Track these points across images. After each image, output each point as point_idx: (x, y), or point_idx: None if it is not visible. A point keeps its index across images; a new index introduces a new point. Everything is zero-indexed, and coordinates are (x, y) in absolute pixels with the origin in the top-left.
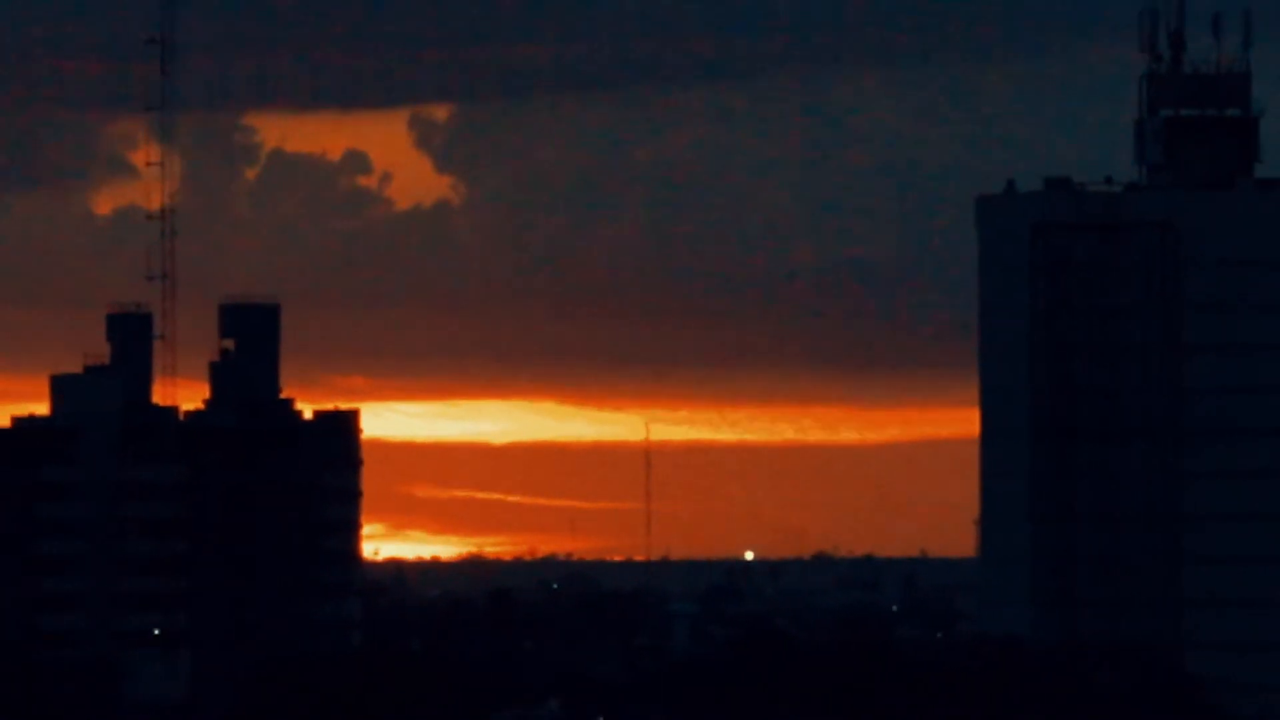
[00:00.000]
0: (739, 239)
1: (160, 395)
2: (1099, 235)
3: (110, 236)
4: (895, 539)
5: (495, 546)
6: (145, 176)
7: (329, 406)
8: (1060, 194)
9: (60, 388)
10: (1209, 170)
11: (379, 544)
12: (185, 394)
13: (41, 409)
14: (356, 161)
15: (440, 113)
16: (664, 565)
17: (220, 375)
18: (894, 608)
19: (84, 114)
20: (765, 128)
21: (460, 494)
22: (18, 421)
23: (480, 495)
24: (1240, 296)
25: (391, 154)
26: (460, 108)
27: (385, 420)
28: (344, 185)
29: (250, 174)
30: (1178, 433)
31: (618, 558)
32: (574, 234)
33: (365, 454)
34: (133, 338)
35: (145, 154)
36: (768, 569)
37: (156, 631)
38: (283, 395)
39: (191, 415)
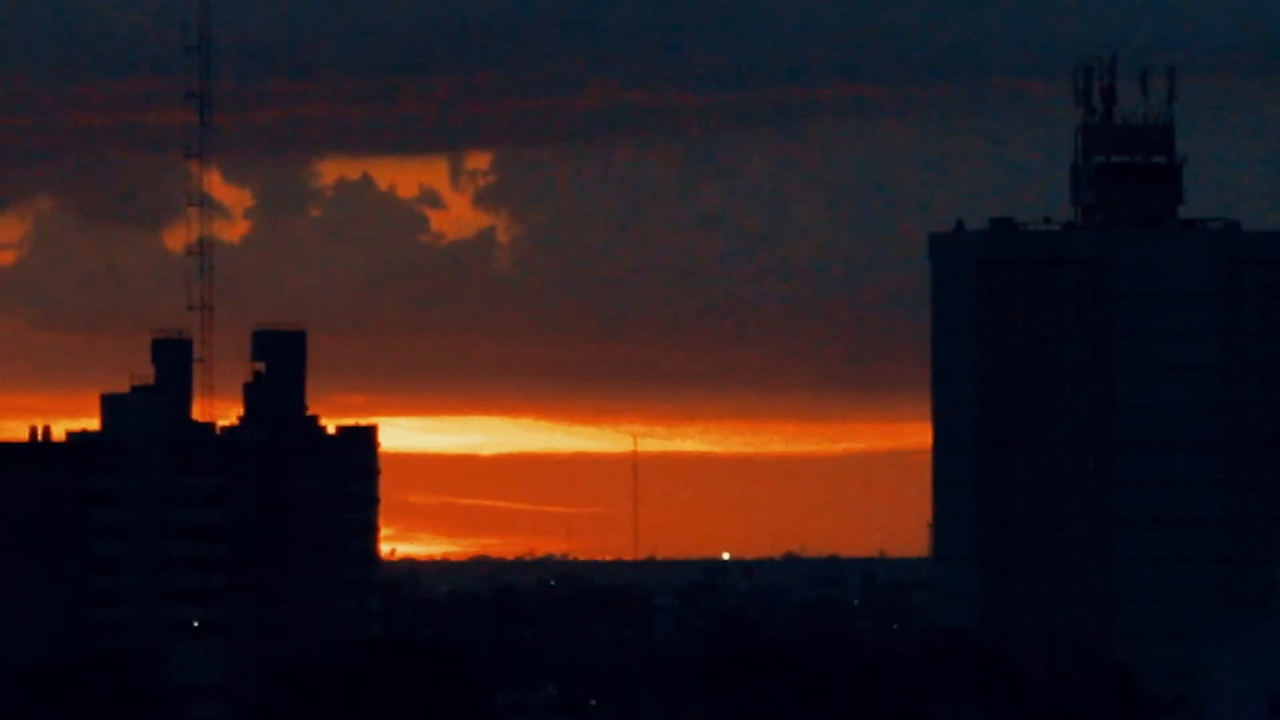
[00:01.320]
0: (718, 273)
1: (199, 412)
2: (1038, 269)
3: (158, 271)
4: (857, 541)
5: (498, 548)
6: (188, 218)
7: (350, 422)
8: (1004, 232)
9: (110, 406)
10: (1137, 211)
11: (394, 545)
12: (222, 411)
13: (93, 424)
14: (395, 203)
15: (479, 160)
16: (649, 564)
17: (253, 394)
18: (855, 602)
19: (153, 158)
20: (745, 172)
21: (464, 501)
22: (72, 436)
23: (486, 502)
24: (1163, 324)
25: (432, 195)
26: (500, 154)
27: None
28: (378, 222)
29: (313, 212)
30: (1107, 446)
31: (608, 557)
32: (569, 268)
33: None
34: (175, 361)
35: (189, 197)
36: (742, 568)
37: (197, 623)
38: (308, 412)
39: (227, 430)
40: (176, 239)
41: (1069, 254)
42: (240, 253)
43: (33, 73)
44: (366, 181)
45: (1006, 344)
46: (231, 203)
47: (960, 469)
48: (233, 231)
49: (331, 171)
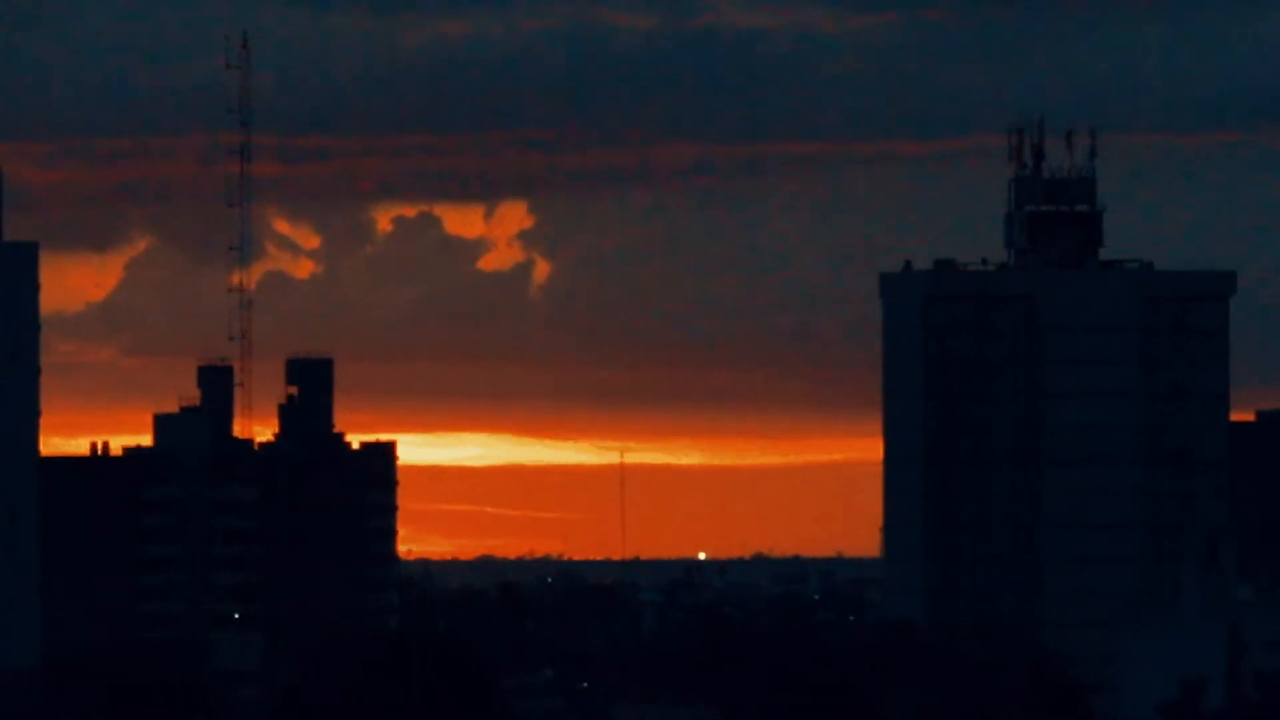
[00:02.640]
0: (695, 307)
1: (239, 430)
2: (976, 305)
3: (207, 304)
4: (817, 543)
5: (502, 549)
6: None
7: (372, 439)
8: (946, 272)
9: (161, 424)
10: (1063, 254)
11: (410, 546)
12: (259, 429)
13: (146, 441)
14: (435, 244)
15: (515, 208)
16: (635, 564)
17: (286, 414)
18: (816, 597)
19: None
20: (724, 220)
21: (472, 508)
22: (127, 451)
23: (491, 509)
24: (1086, 354)
25: (469, 237)
26: (534, 202)
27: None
28: (415, 262)
29: (364, 251)
30: (1037, 460)
31: (598, 557)
32: (566, 305)
33: None
34: (218, 385)
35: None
36: (717, 567)
37: (236, 616)
38: (335, 430)
39: (264, 446)
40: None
41: (1003, 292)
42: (305, 286)
43: (130, 129)
44: (402, 224)
45: (949, 370)
46: (301, 242)
47: (908, 480)
48: (300, 268)
49: (383, 216)
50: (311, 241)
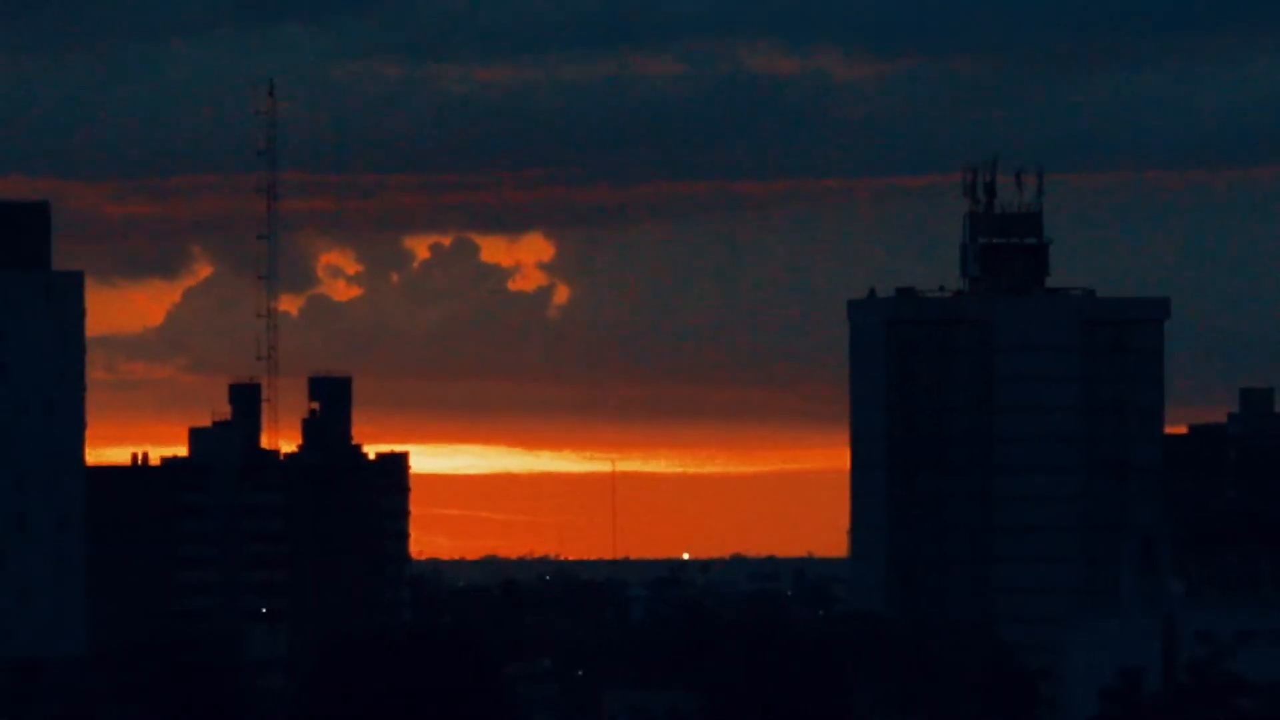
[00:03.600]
0: (684, 330)
1: (267, 441)
2: (935, 327)
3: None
4: (790, 545)
5: (505, 549)
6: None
7: (386, 449)
8: (907, 298)
9: (196, 436)
10: (1012, 282)
11: (421, 547)
12: (285, 440)
13: (182, 451)
14: (468, 271)
15: (539, 242)
16: (624, 563)
17: (310, 427)
18: (789, 594)
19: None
20: (693, 258)
21: (478, 513)
22: (165, 461)
23: (495, 515)
24: (1034, 372)
25: (496, 264)
26: (563, 238)
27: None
28: (445, 288)
29: (394, 279)
30: (990, 468)
31: (591, 557)
32: (565, 327)
33: None
34: (247, 401)
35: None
36: (699, 566)
37: (264, 610)
38: (354, 441)
39: (289, 456)
40: (290, 303)
41: (959, 316)
42: (345, 308)
43: (192, 170)
44: (438, 251)
45: (910, 387)
46: (345, 269)
47: (873, 486)
48: (342, 293)
49: (419, 245)
50: (354, 268)
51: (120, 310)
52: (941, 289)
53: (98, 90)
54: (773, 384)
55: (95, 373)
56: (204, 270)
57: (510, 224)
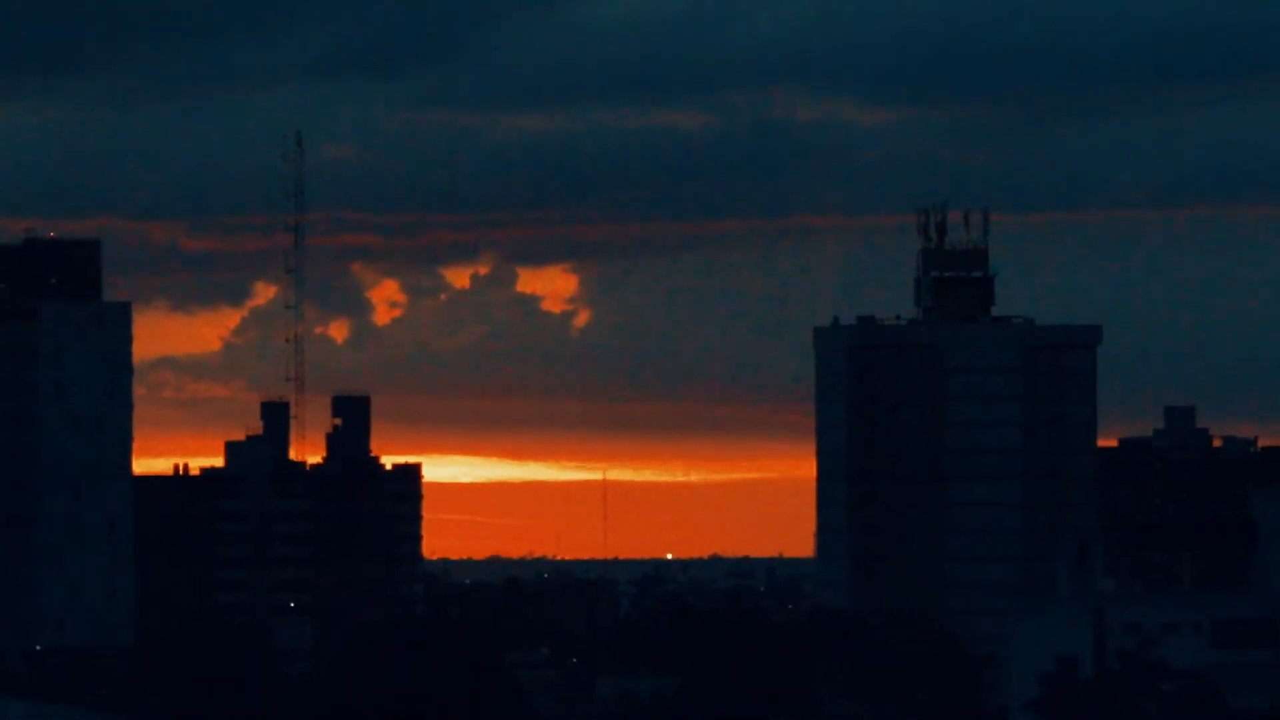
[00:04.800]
0: (671, 351)
1: (294, 454)
2: (892, 352)
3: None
4: (763, 545)
5: (508, 550)
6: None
7: (402, 460)
8: (867, 326)
9: (231, 449)
10: (961, 311)
11: (432, 547)
12: (311, 453)
13: (218, 463)
14: (498, 299)
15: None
16: (614, 562)
17: (333, 441)
18: (761, 589)
19: (329, 268)
20: (666, 290)
21: (484, 518)
22: (204, 471)
23: (499, 519)
24: (980, 392)
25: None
26: (582, 269)
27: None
28: (471, 313)
29: (425, 305)
30: (941, 477)
31: (585, 557)
32: (562, 348)
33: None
34: (276, 417)
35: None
36: (681, 565)
37: (292, 605)
38: (372, 453)
39: (315, 467)
40: (339, 330)
41: (914, 342)
42: (390, 332)
43: (264, 208)
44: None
45: (870, 405)
46: (388, 297)
47: (837, 493)
48: (382, 318)
49: (457, 275)
50: (396, 296)
51: (187, 335)
52: (898, 318)
53: (180, 137)
54: (747, 401)
55: (166, 392)
56: (263, 298)
57: (536, 257)
